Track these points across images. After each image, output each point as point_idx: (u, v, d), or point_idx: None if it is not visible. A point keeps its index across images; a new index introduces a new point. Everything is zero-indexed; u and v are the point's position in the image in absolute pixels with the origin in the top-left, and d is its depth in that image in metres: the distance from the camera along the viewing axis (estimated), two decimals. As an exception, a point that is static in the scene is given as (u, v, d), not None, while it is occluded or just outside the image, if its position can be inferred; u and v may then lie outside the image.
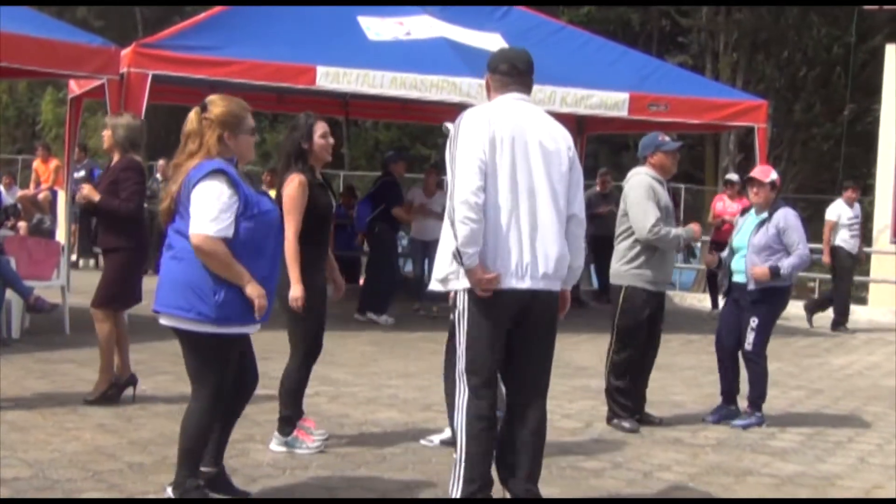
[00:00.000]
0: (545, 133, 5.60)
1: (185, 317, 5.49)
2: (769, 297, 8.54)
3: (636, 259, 8.22)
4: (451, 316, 5.76)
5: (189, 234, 5.43)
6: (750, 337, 8.54)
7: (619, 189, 17.53)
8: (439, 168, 15.44)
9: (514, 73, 5.74)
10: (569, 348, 11.96)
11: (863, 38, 25.51)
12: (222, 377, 5.61)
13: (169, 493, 5.66)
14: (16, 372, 9.03)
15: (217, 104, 5.62)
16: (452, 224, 5.37)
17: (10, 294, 10.55)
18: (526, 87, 5.77)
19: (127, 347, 8.29)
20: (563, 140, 5.66)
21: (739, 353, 8.68)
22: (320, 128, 7.01)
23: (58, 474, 6.21)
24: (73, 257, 9.30)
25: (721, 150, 25.72)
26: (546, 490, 6.37)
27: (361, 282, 15.73)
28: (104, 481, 6.12)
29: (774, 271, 8.38)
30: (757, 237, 8.49)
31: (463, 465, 5.49)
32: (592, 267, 19.40)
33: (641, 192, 8.20)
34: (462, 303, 5.55)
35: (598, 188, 17.38)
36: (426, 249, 14.58)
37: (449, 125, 6.54)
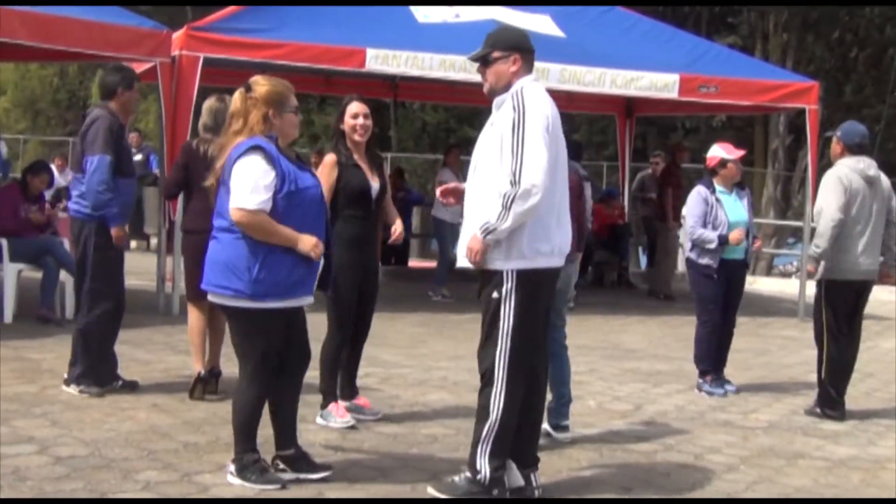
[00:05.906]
0: None
1: (224, 294, 5.68)
2: None
3: None
4: (494, 295, 5.73)
5: (229, 209, 5.57)
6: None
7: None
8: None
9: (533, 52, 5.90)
10: (617, 330, 11.96)
11: (916, 19, 25.21)
12: (264, 352, 5.72)
13: (231, 468, 5.79)
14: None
15: (261, 84, 5.76)
16: (515, 198, 5.41)
17: (63, 275, 10.70)
18: None
19: (218, 340, 7.87)
20: None
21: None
22: (352, 108, 7.18)
23: (114, 453, 6.30)
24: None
25: (770, 131, 25.47)
26: (595, 472, 6.43)
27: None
28: (159, 460, 6.20)
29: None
30: (747, 213, 8.84)
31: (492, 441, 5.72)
32: (640, 248, 19.32)
33: None
34: (510, 283, 5.62)
35: (650, 171, 17.22)
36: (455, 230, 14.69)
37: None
